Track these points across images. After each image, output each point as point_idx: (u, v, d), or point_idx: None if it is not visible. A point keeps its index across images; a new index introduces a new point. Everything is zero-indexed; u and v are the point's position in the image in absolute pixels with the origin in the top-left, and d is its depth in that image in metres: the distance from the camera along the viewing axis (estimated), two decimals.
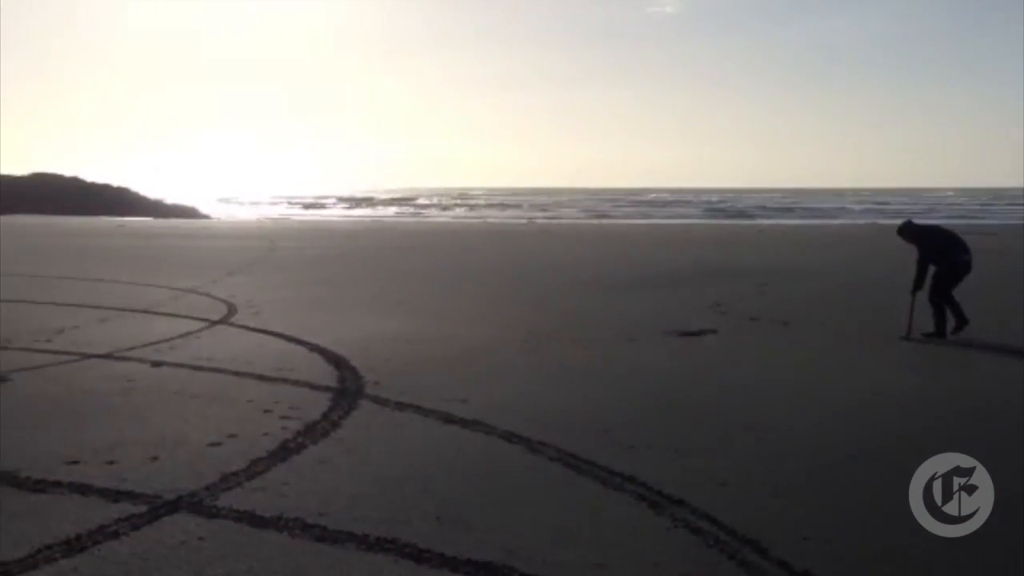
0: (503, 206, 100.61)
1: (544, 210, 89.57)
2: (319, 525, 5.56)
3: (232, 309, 15.10)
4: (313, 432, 7.55)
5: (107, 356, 10.87)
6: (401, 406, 8.48)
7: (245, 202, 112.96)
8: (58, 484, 6.18)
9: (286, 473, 6.51)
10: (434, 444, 7.30)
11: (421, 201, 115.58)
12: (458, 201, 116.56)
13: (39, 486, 6.15)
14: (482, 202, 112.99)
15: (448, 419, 8.02)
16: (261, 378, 9.65)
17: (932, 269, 12.80)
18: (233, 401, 8.63)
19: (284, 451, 7.01)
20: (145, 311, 14.84)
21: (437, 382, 9.55)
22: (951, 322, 12.79)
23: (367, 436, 7.50)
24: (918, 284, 12.73)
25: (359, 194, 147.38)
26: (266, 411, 8.22)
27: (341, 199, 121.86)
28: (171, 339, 12.08)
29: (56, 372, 9.99)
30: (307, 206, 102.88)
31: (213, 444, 7.18)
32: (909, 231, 13.09)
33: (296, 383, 9.39)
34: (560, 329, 13.37)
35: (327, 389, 9.15)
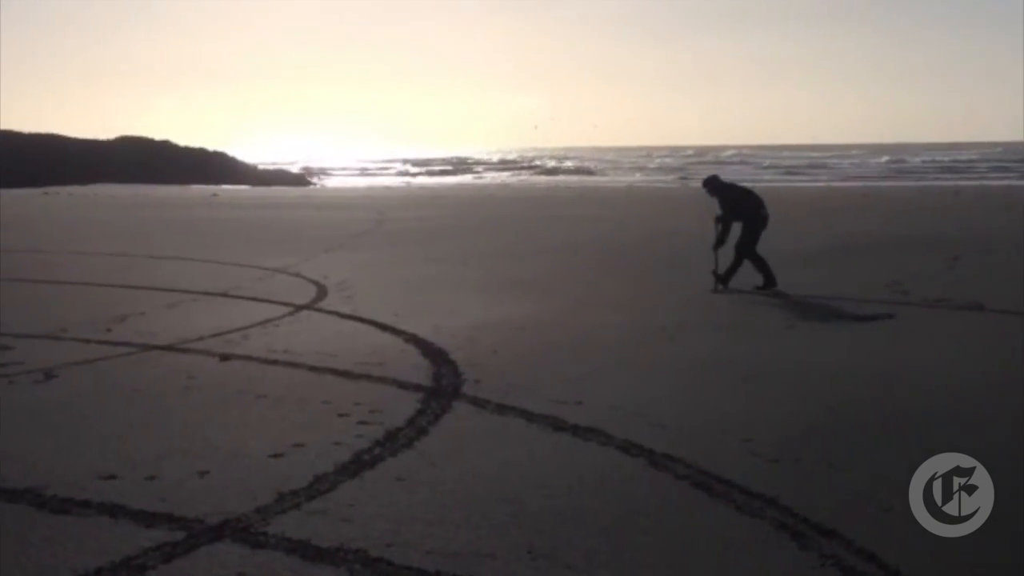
0: (654, 169, 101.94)
1: (686, 169, 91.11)
2: (384, 559, 5.29)
3: (322, 292, 15.15)
4: (394, 441, 7.35)
5: (169, 348, 10.92)
6: (503, 409, 8.25)
7: (361, 167, 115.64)
8: (86, 504, 6.06)
9: (355, 492, 6.29)
10: (537, 456, 7.02)
11: (567, 164, 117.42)
12: (607, 161, 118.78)
13: (64, 506, 6.04)
14: (643, 161, 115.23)
15: (558, 425, 7.76)
16: (342, 374, 9.54)
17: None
18: (305, 402, 8.51)
19: (356, 464, 6.81)
20: (223, 294, 14.98)
21: (549, 380, 9.32)
22: (741, 279, 14.78)
23: (457, 447, 7.26)
24: (722, 239, 15.03)
25: (503, 154, 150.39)
26: (342, 415, 8.07)
27: (477, 162, 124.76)
28: (246, 327, 12.10)
29: (109, 367, 10.05)
30: (434, 171, 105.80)
31: (274, 456, 7.02)
32: (715, 185, 15.34)
33: (382, 381, 9.26)
34: (702, 315, 13.09)
35: (418, 388, 8.97)
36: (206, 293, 15.09)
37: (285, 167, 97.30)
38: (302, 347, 10.85)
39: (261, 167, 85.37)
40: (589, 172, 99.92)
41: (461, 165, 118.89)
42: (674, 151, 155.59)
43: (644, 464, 6.82)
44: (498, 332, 11.76)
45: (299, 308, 13.65)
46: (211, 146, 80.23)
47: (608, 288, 15.54)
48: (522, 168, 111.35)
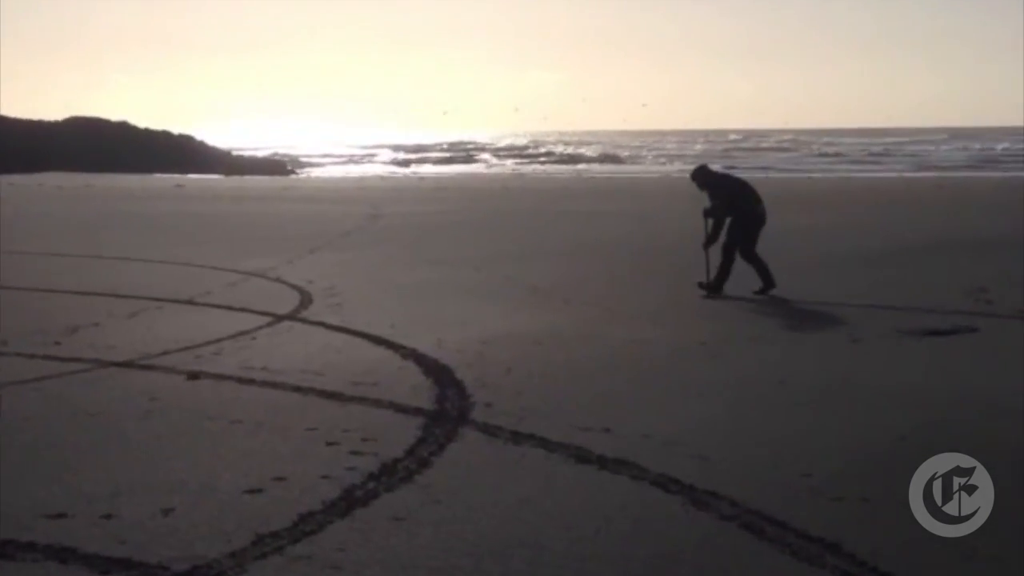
0: (693, 157, 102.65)
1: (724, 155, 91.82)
2: None
3: (306, 299, 15.18)
4: (391, 474, 7.37)
5: (129, 364, 10.93)
6: (518, 437, 8.25)
7: (349, 154, 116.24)
8: (31, 547, 6.07)
9: (345, 534, 6.31)
10: (559, 493, 7.03)
11: (585, 151, 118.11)
12: (636, 147, 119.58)
13: (6, 550, 6.05)
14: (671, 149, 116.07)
15: (582, 456, 7.77)
16: (330, 396, 9.55)
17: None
18: (287, 429, 8.52)
19: (347, 502, 6.83)
20: (191, 302, 15.01)
21: (572, 403, 9.33)
22: (735, 282, 15.12)
23: (465, 481, 7.26)
24: (713, 237, 15.37)
25: (514, 138, 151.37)
26: (331, 444, 8.09)
27: (482, 147, 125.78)
28: (218, 341, 12.11)
29: (59, 387, 10.05)
30: (434, 158, 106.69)
31: (251, 491, 7.04)
32: (704, 177, 15.58)
33: (377, 404, 9.27)
34: (750, 326, 13.13)
35: (419, 412, 8.98)
36: (171, 300, 15.10)
37: (263, 153, 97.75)
38: (283, 364, 10.85)
39: (235, 153, 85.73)
40: (616, 160, 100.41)
41: (463, 151, 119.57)
42: (716, 136, 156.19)
43: (683, 502, 6.83)
44: (512, 347, 11.75)
45: (280, 318, 13.66)
46: (176, 128, 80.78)
47: (640, 296, 15.56)
48: (534, 155, 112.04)
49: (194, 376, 10.35)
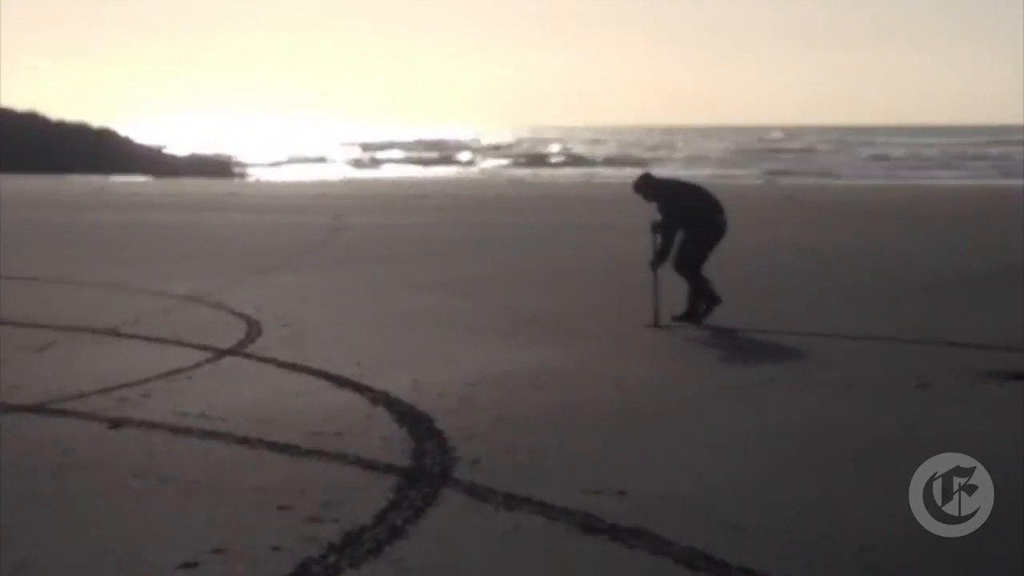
0: (716, 159, 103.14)
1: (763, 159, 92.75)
2: None
3: (254, 329, 15.20)
4: (356, 546, 7.34)
5: (38, 408, 10.87)
6: (512, 501, 8.23)
7: (306, 154, 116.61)
8: None
9: None
10: (562, 571, 7.03)
11: (599, 152, 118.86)
12: (655, 147, 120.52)
13: None
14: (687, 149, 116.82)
15: (591, 525, 7.74)
16: (283, 450, 9.53)
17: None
18: (229, 489, 8.50)
19: None
20: (114, 332, 14.99)
21: (579, 458, 9.34)
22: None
23: (447, 555, 7.26)
24: (663, 255, 15.60)
25: (507, 135, 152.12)
26: (282, 508, 8.06)
27: (464, 145, 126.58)
28: (146, 380, 12.06)
29: None
30: (410, 158, 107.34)
31: (186, 566, 7.01)
32: (650, 186, 15.88)
33: (341, 459, 9.26)
34: (793, 365, 13.12)
35: (391, 470, 8.97)
36: (90, 330, 15.09)
37: (203, 152, 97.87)
38: (226, 410, 10.81)
39: (168, 151, 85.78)
40: (631, 162, 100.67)
41: (448, 150, 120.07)
42: (746, 133, 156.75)
43: None
44: (504, 389, 11.75)
45: (222, 353, 13.64)
46: (97, 121, 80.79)
47: (659, 328, 15.55)
48: (534, 156, 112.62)
49: (117, 424, 10.30)
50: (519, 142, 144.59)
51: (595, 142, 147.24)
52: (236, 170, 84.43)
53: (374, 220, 33.80)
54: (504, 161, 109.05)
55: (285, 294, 18.45)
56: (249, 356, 13.53)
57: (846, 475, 8.91)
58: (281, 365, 12.99)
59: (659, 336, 14.94)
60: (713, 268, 15.76)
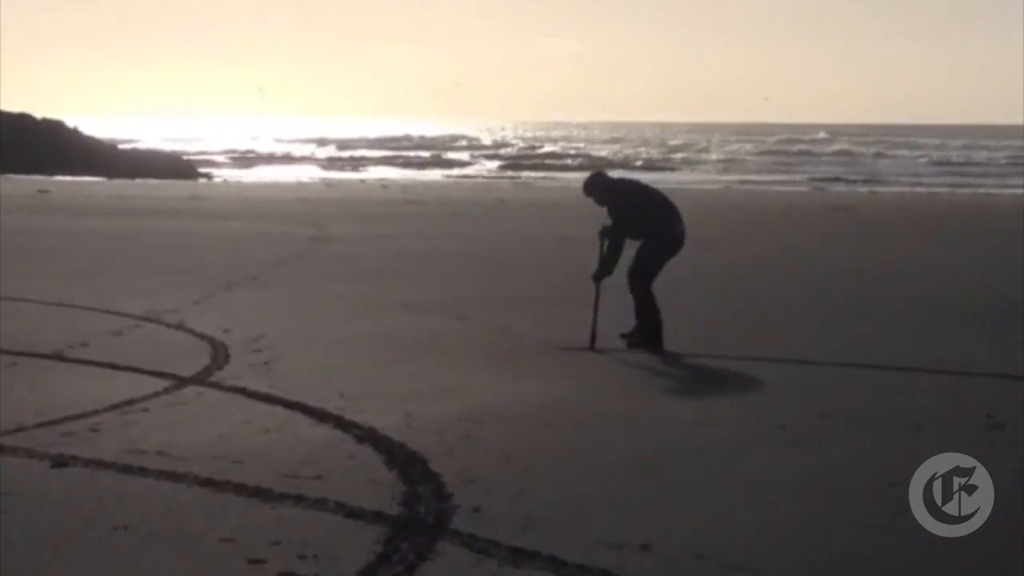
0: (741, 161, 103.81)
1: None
2: None
3: (221, 355, 15.19)
4: None
5: None
6: (519, 556, 8.23)
7: (283, 151, 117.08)
8: None
9: None
10: None
11: (616, 152, 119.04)
12: (675, 146, 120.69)
13: None
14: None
15: None
16: (254, 494, 9.52)
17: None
18: (194, 540, 8.49)
19: None
20: (58, 357, 14.98)
21: (597, 507, 9.34)
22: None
23: None
24: (608, 266, 15.94)
25: (512, 132, 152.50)
26: (254, 561, 8.07)
27: (471, 145, 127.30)
28: (95, 413, 12.03)
29: None
30: (410, 160, 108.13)
31: None
32: (603, 188, 16.23)
33: (320, 505, 9.25)
34: (848, 401, 13.08)
35: (378, 519, 8.96)
36: (30, 354, 15.07)
37: (164, 149, 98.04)
38: (188, 447, 10.78)
39: (123, 147, 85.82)
40: (655, 165, 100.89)
41: (444, 148, 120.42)
42: (778, 132, 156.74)
43: None
44: (509, 426, 11.76)
45: (183, 381, 13.61)
46: (40, 112, 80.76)
47: (693, 357, 15.58)
48: (542, 157, 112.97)
49: (61, 463, 10.27)
50: (524, 140, 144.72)
51: (613, 141, 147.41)
52: (200, 170, 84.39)
53: (359, 229, 33.75)
54: (507, 162, 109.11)
55: (257, 313, 18.43)
56: (215, 385, 13.48)
57: (910, 533, 8.79)
58: (252, 396, 12.94)
59: (693, 367, 14.95)
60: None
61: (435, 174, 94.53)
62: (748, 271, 24.52)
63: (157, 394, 12.99)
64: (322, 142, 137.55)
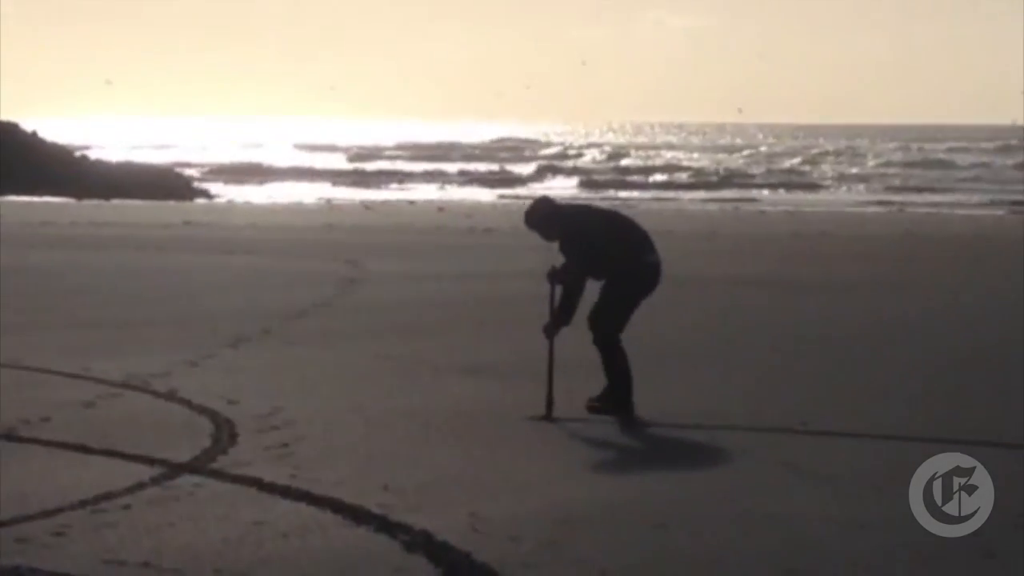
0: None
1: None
2: None
3: (224, 432, 15.20)
4: None
5: None
6: None
7: (305, 165, 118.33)
8: None
9: None
10: None
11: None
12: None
13: None
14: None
15: None
16: None
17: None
18: None
19: None
20: (9, 436, 14.98)
21: None
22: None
23: None
24: (564, 316, 16.40)
25: (597, 138, 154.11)
26: None
27: (557, 154, 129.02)
28: (60, 511, 11.97)
29: None
30: (475, 175, 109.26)
31: None
32: (548, 217, 16.52)
33: None
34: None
35: None
36: None
37: (149, 160, 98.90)
38: (180, 557, 10.70)
39: (97, 158, 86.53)
40: (792, 184, 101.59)
41: (499, 162, 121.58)
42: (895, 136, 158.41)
43: None
44: (606, 530, 11.66)
45: (176, 469, 13.57)
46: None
47: (844, 439, 15.45)
48: (632, 172, 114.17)
49: None
50: (613, 148, 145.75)
51: (716, 149, 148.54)
52: (197, 187, 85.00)
53: (406, 267, 33.91)
54: (591, 177, 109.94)
55: (272, 379, 18.52)
56: (217, 474, 13.44)
57: None
58: (266, 488, 12.86)
59: (851, 454, 14.73)
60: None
61: (497, 193, 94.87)
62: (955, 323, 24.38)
63: (141, 486, 12.92)
64: (359, 152, 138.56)
